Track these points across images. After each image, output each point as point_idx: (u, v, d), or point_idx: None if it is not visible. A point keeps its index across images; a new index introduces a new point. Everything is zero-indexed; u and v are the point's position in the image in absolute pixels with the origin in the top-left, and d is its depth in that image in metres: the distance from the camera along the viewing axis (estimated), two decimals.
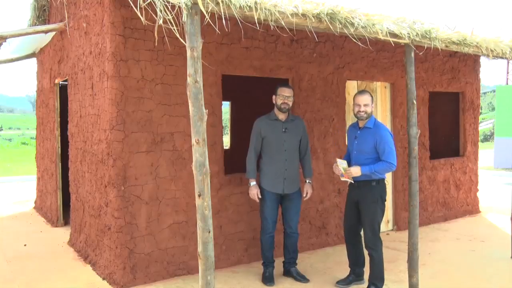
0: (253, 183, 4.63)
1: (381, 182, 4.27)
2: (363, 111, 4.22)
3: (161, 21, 2.90)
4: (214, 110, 4.97)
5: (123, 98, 4.41)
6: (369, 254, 4.29)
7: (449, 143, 7.98)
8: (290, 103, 4.61)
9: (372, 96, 4.32)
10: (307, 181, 4.79)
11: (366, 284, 4.41)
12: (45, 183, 7.74)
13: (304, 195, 4.75)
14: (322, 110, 5.83)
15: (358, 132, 4.34)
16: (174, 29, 2.90)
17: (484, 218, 7.54)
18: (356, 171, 4.14)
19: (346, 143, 4.67)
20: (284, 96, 4.55)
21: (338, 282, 4.53)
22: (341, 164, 4.23)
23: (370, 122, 4.29)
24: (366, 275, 4.45)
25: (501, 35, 4.92)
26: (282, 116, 4.64)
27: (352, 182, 4.25)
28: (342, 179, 4.34)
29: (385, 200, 4.33)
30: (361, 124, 4.34)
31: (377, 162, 4.19)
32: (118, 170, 4.40)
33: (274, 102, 4.63)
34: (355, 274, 4.52)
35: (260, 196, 4.61)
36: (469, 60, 7.55)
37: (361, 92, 4.36)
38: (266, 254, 4.67)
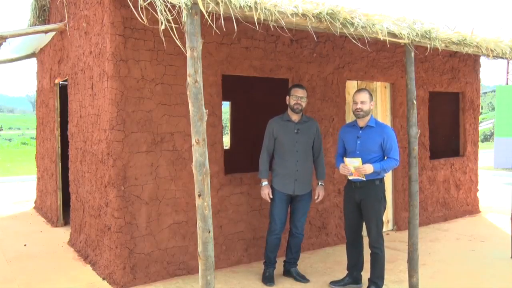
0: (264, 183, 4.62)
1: (382, 181, 4.30)
2: (359, 108, 4.21)
3: (163, 22, 2.90)
4: (214, 110, 4.97)
5: (123, 98, 4.41)
6: (373, 253, 4.28)
7: (449, 143, 7.98)
8: (303, 104, 4.59)
9: (371, 94, 4.30)
10: (320, 183, 4.76)
11: (364, 287, 4.42)
12: (45, 183, 7.74)
13: (316, 197, 4.73)
14: (322, 110, 5.82)
15: (360, 131, 4.30)
16: (174, 29, 2.90)
17: (484, 218, 7.53)
18: (369, 168, 4.11)
19: (338, 144, 4.55)
20: (297, 97, 4.54)
21: (333, 283, 4.50)
22: (352, 163, 4.16)
23: (371, 121, 4.29)
24: (363, 279, 4.44)
25: (501, 35, 4.93)
26: (295, 117, 4.62)
27: (364, 179, 4.20)
28: (351, 177, 4.27)
29: (385, 198, 4.35)
30: (361, 123, 4.31)
31: (382, 160, 4.21)
32: (118, 170, 4.40)
33: (287, 102, 4.62)
34: (352, 277, 4.48)
35: (271, 196, 4.61)
36: (469, 60, 7.55)
37: (359, 90, 4.35)
38: (269, 255, 4.65)
